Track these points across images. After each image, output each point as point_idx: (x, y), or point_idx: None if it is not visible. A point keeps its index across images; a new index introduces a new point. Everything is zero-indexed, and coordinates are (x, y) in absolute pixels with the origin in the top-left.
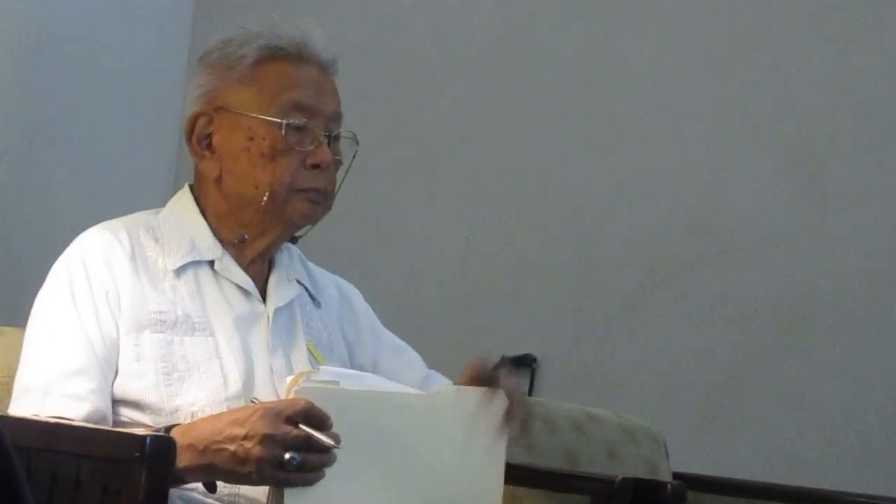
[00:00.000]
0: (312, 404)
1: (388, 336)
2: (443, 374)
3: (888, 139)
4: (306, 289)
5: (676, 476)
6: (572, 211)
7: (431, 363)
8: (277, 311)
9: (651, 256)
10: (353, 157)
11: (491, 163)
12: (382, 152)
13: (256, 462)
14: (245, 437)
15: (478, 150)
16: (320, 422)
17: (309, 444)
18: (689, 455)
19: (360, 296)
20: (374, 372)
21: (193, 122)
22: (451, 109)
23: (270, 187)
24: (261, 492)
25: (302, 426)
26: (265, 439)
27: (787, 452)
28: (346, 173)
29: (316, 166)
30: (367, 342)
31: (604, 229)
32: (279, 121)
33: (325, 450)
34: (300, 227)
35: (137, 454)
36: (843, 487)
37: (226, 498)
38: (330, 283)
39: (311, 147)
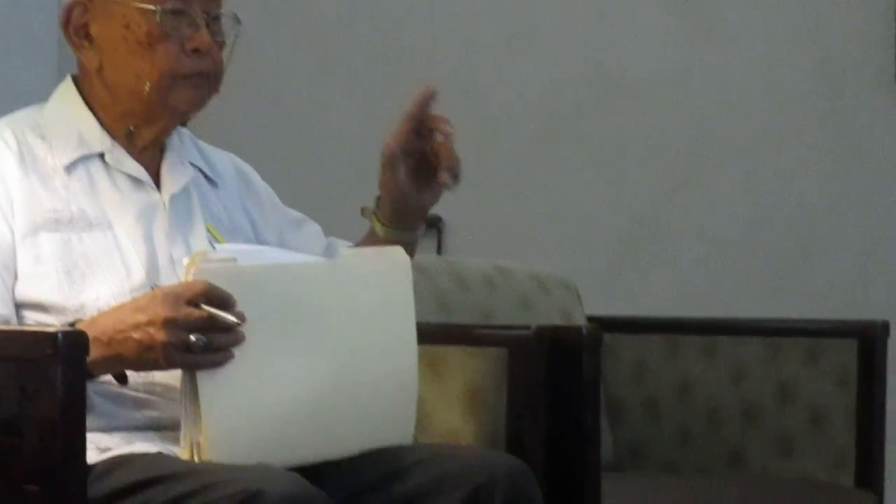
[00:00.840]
0: (211, 284)
1: (287, 210)
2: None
3: None
4: (201, 171)
5: (591, 319)
6: (464, 66)
7: (334, 234)
8: (173, 197)
9: (548, 106)
10: (236, 36)
11: (381, 27)
12: (270, 28)
13: (162, 347)
14: (148, 323)
15: (366, 16)
16: (222, 301)
17: (213, 324)
18: (603, 299)
19: (256, 173)
20: (279, 246)
21: (69, 11)
22: None
23: (151, 76)
24: (177, 378)
25: (204, 306)
26: (167, 323)
27: (697, 286)
28: (231, 53)
29: (196, 51)
30: (270, 217)
31: (497, 82)
32: (153, 7)
33: (230, 328)
34: (188, 114)
35: (50, 351)
36: (752, 314)
37: (141, 388)
38: (226, 160)
39: (189, 32)
